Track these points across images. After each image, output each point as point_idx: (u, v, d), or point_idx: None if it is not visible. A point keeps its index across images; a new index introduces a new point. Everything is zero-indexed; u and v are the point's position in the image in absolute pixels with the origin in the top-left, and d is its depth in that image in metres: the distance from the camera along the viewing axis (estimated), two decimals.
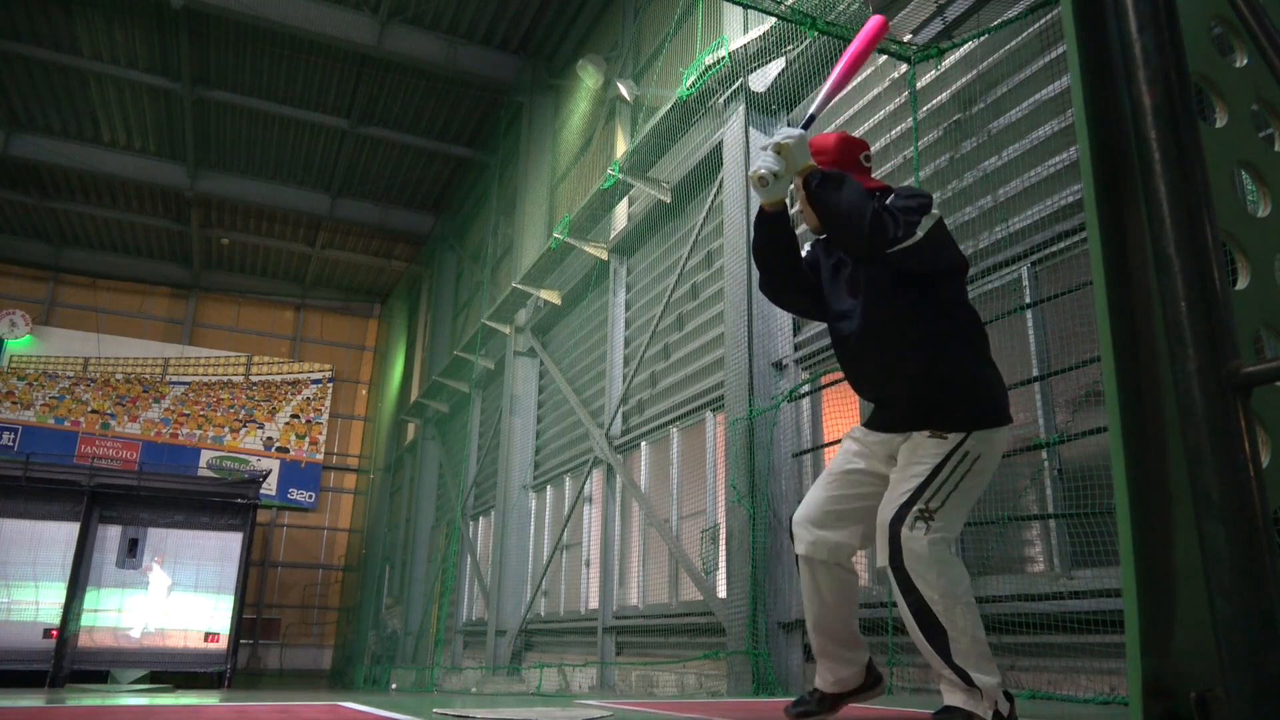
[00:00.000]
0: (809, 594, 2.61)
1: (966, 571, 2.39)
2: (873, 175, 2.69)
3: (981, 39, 5.08)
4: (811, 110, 2.61)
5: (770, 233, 2.60)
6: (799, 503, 2.68)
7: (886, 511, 2.40)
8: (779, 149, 2.44)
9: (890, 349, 2.49)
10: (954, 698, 2.34)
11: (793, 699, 2.75)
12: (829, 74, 2.65)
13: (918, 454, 2.41)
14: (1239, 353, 1.16)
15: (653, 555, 8.29)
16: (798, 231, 2.85)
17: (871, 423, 2.59)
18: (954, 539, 2.39)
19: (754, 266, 3.13)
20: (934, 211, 2.39)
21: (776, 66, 7.05)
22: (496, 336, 13.21)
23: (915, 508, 2.35)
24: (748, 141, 7.05)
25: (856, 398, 4.76)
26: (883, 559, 2.40)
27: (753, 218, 3.11)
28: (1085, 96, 1.43)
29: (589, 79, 11.49)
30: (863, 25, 2.70)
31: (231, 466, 22.12)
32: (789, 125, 5.26)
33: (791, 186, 2.54)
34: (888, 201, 2.39)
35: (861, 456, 2.57)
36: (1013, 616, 4.17)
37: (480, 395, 14.70)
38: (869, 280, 2.51)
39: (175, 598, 13.77)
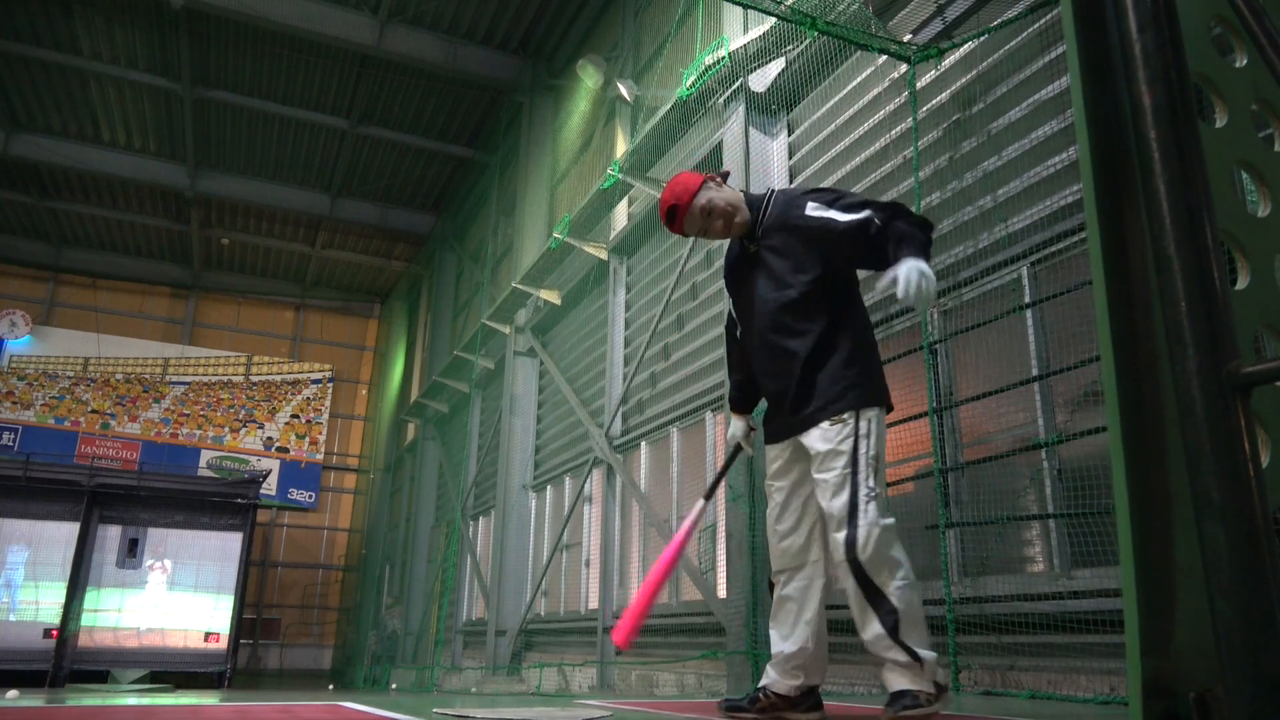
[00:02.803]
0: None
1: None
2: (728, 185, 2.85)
3: (981, 39, 5.08)
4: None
5: None
6: None
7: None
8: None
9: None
10: (900, 679, 2.39)
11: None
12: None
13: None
14: (1239, 353, 1.16)
15: (653, 555, 8.28)
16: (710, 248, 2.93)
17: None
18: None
19: None
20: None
21: (776, 66, 7.04)
22: (496, 336, 13.20)
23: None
24: (747, 142, 7.04)
25: None
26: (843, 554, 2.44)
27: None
28: (1085, 96, 1.43)
29: (589, 79, 11.49)
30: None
31: (231, 466, 22.11)
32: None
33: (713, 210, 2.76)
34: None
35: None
36: (1013, 616, 4.17)
37: (480, 395, 14.69)
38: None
39: (175, 597, 13.77)
